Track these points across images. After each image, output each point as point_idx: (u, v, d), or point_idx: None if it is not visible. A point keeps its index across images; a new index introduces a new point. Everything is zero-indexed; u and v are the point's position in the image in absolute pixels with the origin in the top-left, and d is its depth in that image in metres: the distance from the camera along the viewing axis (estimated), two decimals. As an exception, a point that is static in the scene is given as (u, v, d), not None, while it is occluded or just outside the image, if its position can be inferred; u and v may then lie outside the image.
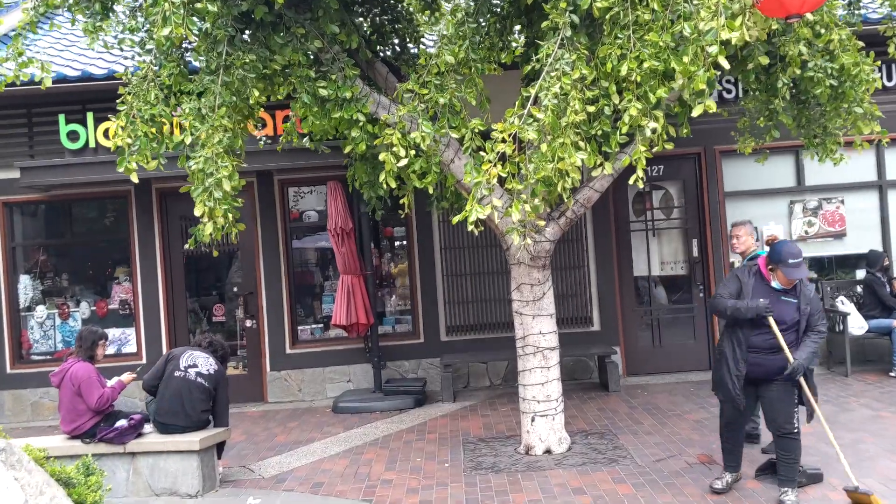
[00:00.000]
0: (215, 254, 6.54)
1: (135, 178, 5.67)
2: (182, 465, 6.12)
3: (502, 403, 8.92)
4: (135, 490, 6.18)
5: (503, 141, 4.65)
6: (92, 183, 9.33)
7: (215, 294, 10.35)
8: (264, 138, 9.26)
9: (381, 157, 5.10)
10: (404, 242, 10.15)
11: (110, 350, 9.82)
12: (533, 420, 6.73)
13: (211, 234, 5.31)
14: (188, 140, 5.21)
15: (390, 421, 8.41)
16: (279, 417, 8.99)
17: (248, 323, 9.93)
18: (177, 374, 6.26)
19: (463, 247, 9.93)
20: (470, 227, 4.77)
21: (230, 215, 5.33)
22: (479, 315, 9.93)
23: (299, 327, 10.02)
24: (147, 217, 9.81)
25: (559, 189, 4.78)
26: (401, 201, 5.99)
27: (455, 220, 4.97)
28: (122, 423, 6.20)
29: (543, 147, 4.70)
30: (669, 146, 5.09)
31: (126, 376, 6.49)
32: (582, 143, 4.83)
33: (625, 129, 4.90)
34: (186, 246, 5.83)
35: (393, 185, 5.24)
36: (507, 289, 9.87)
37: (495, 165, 4.65)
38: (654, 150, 5.08)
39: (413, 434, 7.77)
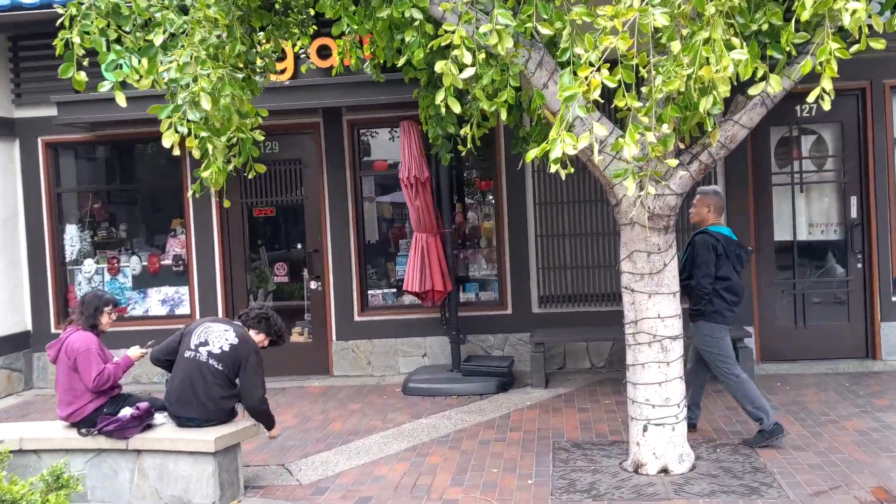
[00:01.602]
0: (196, 197, 5.03)
1: (122, 101, 4.36)
2: (195, 468, 4.88)
3: (605, 393, 7.34)
4: (140, 495, 5.00)
5: (614, 32, 3.00)
6: (139, 121, 8.15)
7: (292, 250, 9.08)
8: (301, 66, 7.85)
9: (438, 67, 3.54)
10: (491, 197, 8.60)
11: (162, 311, 8.84)
12: (645, 429, 5.14)
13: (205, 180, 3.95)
14: (158, 39, 3.83)
15: (467, 409, 6.98)
16: (341, 396, 7.72)
17: (313, 285, 8.67)
18: (186, 354, 5.01)
19: (561, 202, 8.29)
20: (553, 168, 3.22)
21: (214, 147, 3.94)
22: (578, 284, 8.31)
23: (370, 291, 8.69)
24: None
25: (701, 111, 3.11)
26: (461, 132, 4.38)
27: (529, 155, 3.38)
28: (125, 412, 5.00)
29: (676, 46, 3.04)
30: (878, 45, 3.31)
31: (134, 351, 5.29)
32: (737, 41, 3.13)
33: (806, 16, 3.15)
34: (189, 193, 4.49)
35: (456, 108, 3.69)
36: (615, 254, 8.20)
37: (599, 70, 3.02)
38: (853, 49, 3.30)
39: (492, 431, 6.32)
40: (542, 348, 7.69)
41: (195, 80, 3.77)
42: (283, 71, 8.00)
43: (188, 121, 3.64)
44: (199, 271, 8.67)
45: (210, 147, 4.01)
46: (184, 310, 8.79)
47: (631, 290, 5.15)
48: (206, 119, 3.86)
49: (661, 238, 5.04)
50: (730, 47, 3.10)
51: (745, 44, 3.21)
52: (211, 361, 4.93)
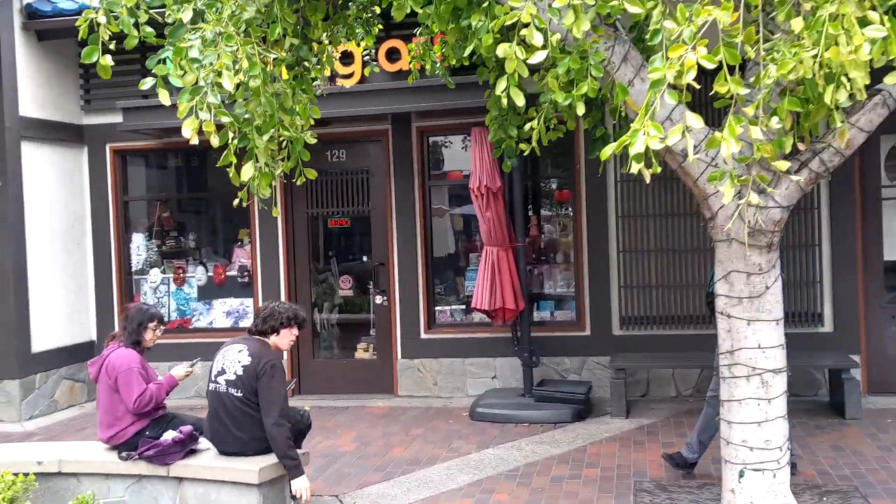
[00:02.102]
0: (243, 205, 4.37)
1: (165, 100, 4.00)
2: (238, 499, 4.49)
3: (693, 425, 6.63)
4: (181, 526, 4.64)
5: (715, 3, 2.42)
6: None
7: (358, 263, 8.67)
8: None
9: (501, 50, 3.01)
10: (569, 209, 8.03)
11: (226, 323, 8.59)
12: (742, 475, 4.49)
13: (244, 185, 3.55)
14: (187, 15, 3.43)
15: (539, 440, 6.42)
16: (404, 419, 7.26)
17: (379, 300, 8.27)
18: (210, 386, 4.63)
19: (646, 215, 7.66)
20: (634, 167, 2.67)
21: (255, 147, 3.54)
22: (664, 304, 7.65)
23: (437, 308, 8.23)
24: (266, 170, 8.34)
25: (828, 101, 2.52)
26: (527, 126, 3.81)
27: (605, 152, 2.85)
28: (167, 436, 4.66)
29: (797, 23, 2.46)
30: None
31: (179, 370, 4.95)
32: (874, 16, 2.53)
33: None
34: (235, 202, 4.10)
35: (520, 100, 3.17)
36: (706, 273, 7.53)
37: (694, 49, 2.46)
38: None
39: (566, 466, 5.75)
40: (624, 374, 7.06)
41: (218, 56, 3.37)
42: (350, 75, 7.66)
43: (210, 106, 3.20)
44: (264, 283, 8.38)
45: (211, 130, 3.58)
46: (248, 322, 8.49)
47: (727, 315, 4.52)
48: (251, 118, 3.46)
49: (764, 257, 4.40)
50: (864, 24, 2.50)
51: (885, 18, 2.58)
52: (230, 391, 4.49)
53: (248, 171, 3.52)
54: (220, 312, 8.64)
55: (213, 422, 4.60)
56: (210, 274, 8.70)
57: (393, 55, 7.67)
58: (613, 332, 7.72)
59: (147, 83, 4.08)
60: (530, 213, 8.12)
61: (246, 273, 8.57)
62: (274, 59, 3.83)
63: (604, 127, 5.17)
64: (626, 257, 7.69)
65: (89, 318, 8.66)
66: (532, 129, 3.64)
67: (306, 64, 4.56)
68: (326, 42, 4.84)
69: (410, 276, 8.07)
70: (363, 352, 8.46)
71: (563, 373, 7.80)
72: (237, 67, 3.40)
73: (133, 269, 8.80)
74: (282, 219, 8.32)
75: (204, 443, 4.79)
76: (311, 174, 4.20)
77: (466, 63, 5.16)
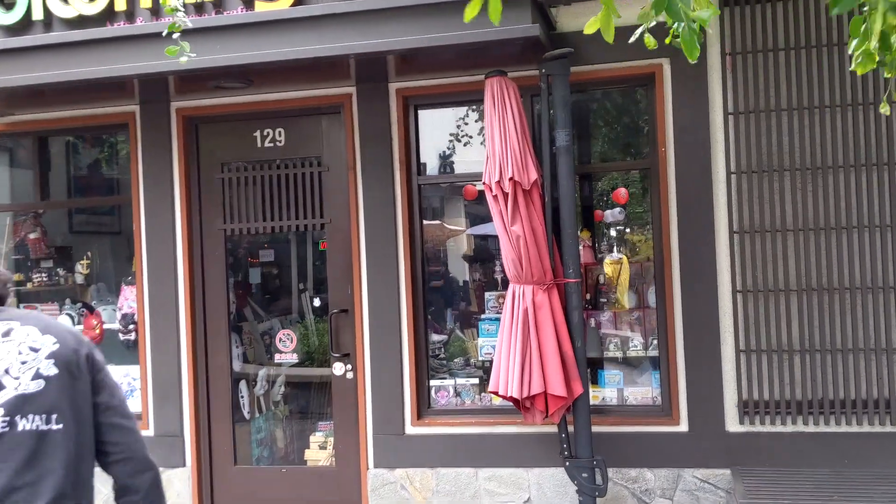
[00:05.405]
0: None
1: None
2: None
3: None
4: None
5: None
6: (74, 88, 4.98)
7: (305, 308, 5.58)
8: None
9: None
10: (646, 218, 4.92)
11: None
12: None
13: None
14: None
15: None
16: (373, 589, 4.11)
17: (339, 369, 5.14)
18: None
19: (781, 229, 4.54)
20: None
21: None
22: (815, 380, 4.48)
23: (432, 382, 5.09)
24: (160, 162, 5.29)
25: None
26: None
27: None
28: None
29: None
30: None
31: None
32: None
33: None
34: None
35: None
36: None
37: None
38: None
39: None
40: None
41: None
42: (280, -5, 4.60)
43: None
44: (155, 342, 5.28)
45: None
46: (135, 405, 5.39)
47: None
48: None
49: None
50: None
51: None
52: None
53: None
54: (92, 387, 5.52)
55: None
56: (79, 327, 5.61)
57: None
58: (728, 428, 4.54)
59: None
60: (580, 225, 5.02)
61: (132, 326, 5.48)
62: None
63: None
64: (749, 301, 4.54)
65: None
66: None
67: None
68: None
69: (389, 332, 4.95)
70: (318, 451, 5.35)
71: (644, 496, 4.64)
72: None
73: (-38, 319, 5.71)
74: (183, 239, 5.25)
75: None
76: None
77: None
